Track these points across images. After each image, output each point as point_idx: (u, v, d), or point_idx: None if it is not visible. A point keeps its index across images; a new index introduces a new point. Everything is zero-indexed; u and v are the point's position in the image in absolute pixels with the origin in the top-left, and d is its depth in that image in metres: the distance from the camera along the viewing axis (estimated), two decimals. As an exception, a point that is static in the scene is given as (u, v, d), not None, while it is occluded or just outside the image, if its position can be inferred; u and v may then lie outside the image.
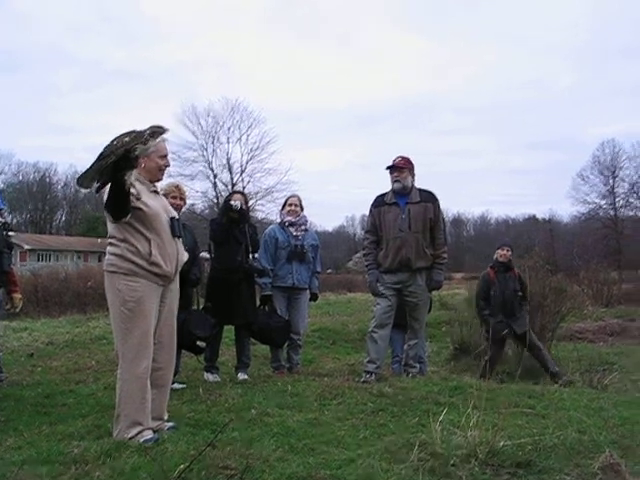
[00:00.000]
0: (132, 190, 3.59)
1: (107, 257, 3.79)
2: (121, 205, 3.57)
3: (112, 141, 3.37)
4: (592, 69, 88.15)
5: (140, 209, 3.69)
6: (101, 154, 3.32)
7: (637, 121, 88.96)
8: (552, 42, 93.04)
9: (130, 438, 3.58)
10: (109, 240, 3.80)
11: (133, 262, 3.70)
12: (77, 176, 3.52)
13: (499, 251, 8.05)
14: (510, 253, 8.07)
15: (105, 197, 3.61)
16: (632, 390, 6.49)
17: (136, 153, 3.42)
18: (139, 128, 3.54)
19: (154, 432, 3.71)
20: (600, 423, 3.88)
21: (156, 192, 3.99)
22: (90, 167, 3.37)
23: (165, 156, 3.97)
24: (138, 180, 3.76)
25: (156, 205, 3.84)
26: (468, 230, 79.08)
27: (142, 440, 3.56)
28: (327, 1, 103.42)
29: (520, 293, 7.86)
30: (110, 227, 3.79)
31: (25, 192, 63.48)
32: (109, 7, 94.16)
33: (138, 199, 3.67)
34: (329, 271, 41.64)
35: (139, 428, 3.64)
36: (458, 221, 75.84)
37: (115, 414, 3.69)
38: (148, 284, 3.74)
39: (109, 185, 3.49)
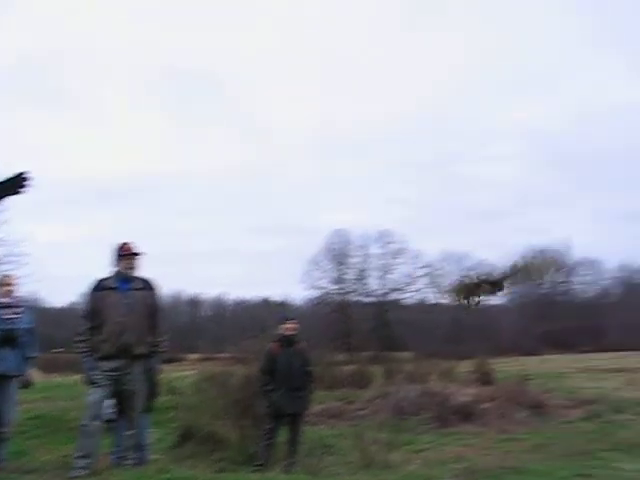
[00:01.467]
0: None
1: None
2: None
3: None
4: (319, 161, 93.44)
5: None
6: None
7: (363, 212, 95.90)
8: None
9: None
10: None
11: None
12: None
13: (284, 325, 7.90)
14: (296, 327, 7.91)
15: None
16: (344, 473, 6.82)
17: None
18: None
19: None
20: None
21: None
22: None
23: None
24: None
25: None
26: (205, 311, 79.12)
27: None
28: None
29: (309, 368, 7.83)
30: None
31: None
32: None
33: None
34: (59, 350, 38.69)
35: None
36: (195, 302, 75.51)
37: None
38: None
39: None
